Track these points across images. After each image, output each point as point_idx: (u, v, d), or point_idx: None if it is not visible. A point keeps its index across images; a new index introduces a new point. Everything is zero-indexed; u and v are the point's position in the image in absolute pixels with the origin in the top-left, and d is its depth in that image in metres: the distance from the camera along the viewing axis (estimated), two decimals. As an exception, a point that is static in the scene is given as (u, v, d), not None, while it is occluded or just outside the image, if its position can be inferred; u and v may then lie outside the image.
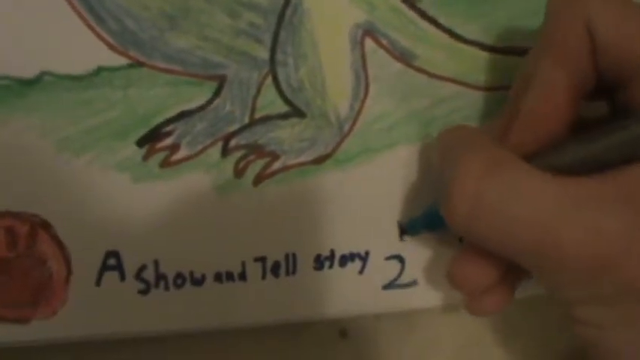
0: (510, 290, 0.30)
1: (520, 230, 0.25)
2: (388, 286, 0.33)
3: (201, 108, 0.31)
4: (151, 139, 0.30)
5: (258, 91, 0.31)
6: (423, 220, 0.32)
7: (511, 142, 0.28)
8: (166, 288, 0.31)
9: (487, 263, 0.29)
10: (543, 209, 0.25)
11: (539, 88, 0.27)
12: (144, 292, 0.31)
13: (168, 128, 0.31)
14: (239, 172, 0.31)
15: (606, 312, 0.25)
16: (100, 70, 0.30)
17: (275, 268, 0.32)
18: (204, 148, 0.31)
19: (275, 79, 0.31)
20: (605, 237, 0.24)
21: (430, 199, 0.32)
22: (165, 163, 0.31)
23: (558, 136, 0.27)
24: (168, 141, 0.31)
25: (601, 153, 0.25)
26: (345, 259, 0.32)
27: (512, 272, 0.30)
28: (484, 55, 0.32)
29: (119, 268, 0.30)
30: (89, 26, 0.30)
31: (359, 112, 0.32)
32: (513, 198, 0.25)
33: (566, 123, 0.27)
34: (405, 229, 0.33)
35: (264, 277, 0.32)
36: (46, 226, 0.30)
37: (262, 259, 0.31)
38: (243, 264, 0.31)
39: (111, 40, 0.30)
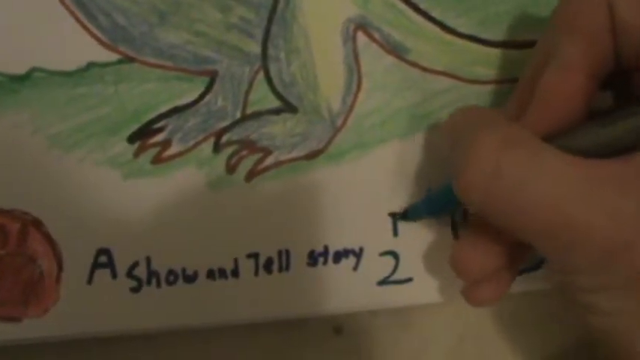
0: (508, 280, 0.30)
1: (538, 210, 0.25)
2: (383, 282, 0.33)
3: (193, 103, 0.31)
4: (142, 135, 0.31)
5: (250, 86, 0.31)
6: (425, 204, 0.32)
7: (528, 121, 0.27)
8: (158, 285, 0.31)
9: (490, 249, 0.29)
10: (563, 189, 0.24)
11: (557, 69, 0.27)
12: (136, 289, 0.31)
13: (160, 124, 0.31)
14: (231, 168, 0.31)
15: (622, 299, 0.25)
16: (90, 65, 0.30)
17: (268, 265, 0.32)
18: (196, 144, 0.31)
19: (267, 74, 0.31)
20: (624, 220, 0.24)
21: (424, 193, 0.32)
22: (156, 160, 0.31)
23: (576, 117, 0.27)
24: (159, 137, 0.31)
25: (620, 136, 0.25)
26: (339, 255, 0.32)
27: (512, 261, 0.29)
28: (477, 48, 0.33)
29: (111, 265, 0.31)
30: (79, 22, 0.30)
31: (351, 107, 0.32)
32: (533, 176, 0.25)
33: (583, 106, 0.27)
34: (406, 214, 0.33)
35: (256, 273, 0.32)
36: (37, 223, 0.30)
37: (255, 256, 0.32)
38: (236, 260, 0.32)
39: (101, 36, 0.30)
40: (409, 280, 0.33)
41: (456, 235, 0.33)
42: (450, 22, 0.32)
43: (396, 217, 0.33)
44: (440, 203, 0.30)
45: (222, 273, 0.31)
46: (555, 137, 0.26)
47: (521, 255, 0.30)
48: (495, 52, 0.33)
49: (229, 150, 0.31)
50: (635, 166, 0.24)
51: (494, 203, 0.26)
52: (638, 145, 0.25)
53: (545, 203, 0.25)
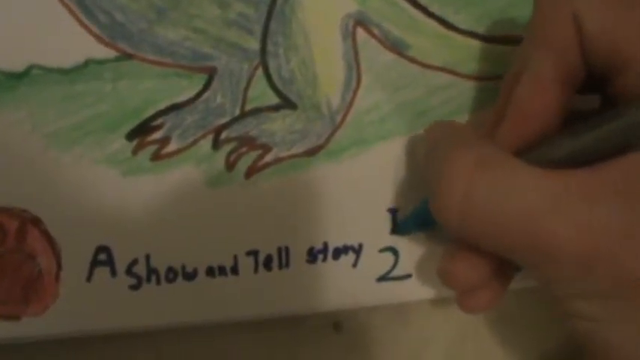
0: (502, 287, 0.31)
1: (512, 227, 0.25)
2: (382, 278, 0.33)
3: (192, 100, 0.31)
4: (140, 132, 0.31)
5: (249, 82, 0.31)
6: (414, 219, 0.32)
7: (501, 136, 0.28)
8: (158, 283, 0.31)
9: (478, 260, 0.29)
10: (534, 204, 0.25)
11: (528, 81, 0.27)
12: (135, 287, 0.31)
13: (158, 121, 0.31)
14: (230, 165, 0.32)
15: (601, 306, 0.26)
16: (88, 62, 0.30)
17: (267, 262, 0.32)
18: (195, 141, 0.31)
19: (266, 71, 0.31)
20: (597, 230, 0.24)
21: (424, 190, 0.32)
22: (155, 157, 0.31)
23: (549, 129, 0.27)
24: (158, 134, 0.31)
25: (591, 145, 0.25)
26: (338, 252, 0.33)
27: (503, 269, 0.30)
28: (477, 44, 0.33)
29: (110, 263, 0.31)
30: (77, 18, 0.30)
31: (351, 103, 0.32)
32: (504, 194, 0.25)
33: (556, 116, 0.27)
34: (397, 230, 0.33)
35: (256, 271, 0.32)
36: (35, 221, 0.30)
37: (254, 253, 0.32)
38: (235, 258, 0.32)
39: (99, 33, 0.30)
40: (408, 276, 0.33)
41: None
42: (450, 18, 0.32)
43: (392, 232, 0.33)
44: (427, 220, 0.31)
45: (222, 270, 0.32)
46: (529, 151, 0.27)
47: (511, 264, 0.30)
48: (495, 48, 0.33)
49: (228, 147, 0.32)
50: (603, 175, 0.25)
51: (469, 225, 0.26)
52: (608, 153, 0.25)
53: (519, 218, 0.25)
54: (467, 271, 0.29)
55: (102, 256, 0.31)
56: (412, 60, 0.32)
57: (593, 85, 0.28)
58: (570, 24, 0.26)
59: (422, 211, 0.31)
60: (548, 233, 0.25)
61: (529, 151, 0.27)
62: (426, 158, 0.29)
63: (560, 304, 0.27)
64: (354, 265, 0.33)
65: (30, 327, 0.30)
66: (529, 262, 0.26)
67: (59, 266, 0.30)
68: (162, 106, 0.31)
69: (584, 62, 0.27)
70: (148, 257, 0.31)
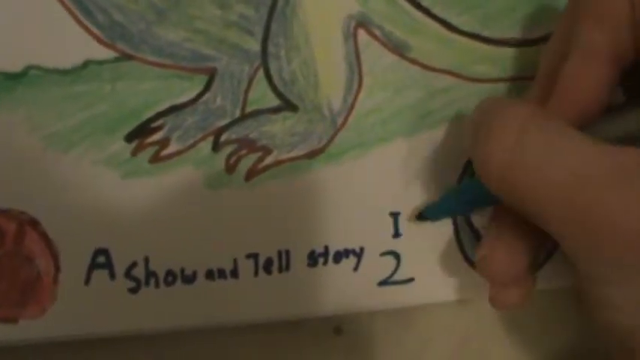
0: (532, 281, 0.30)
1: (559, 191, 0.24)
2: (384, 282, 0.33)
3: (192, 102, 0.31)
4: (140, 133, 0.31)
5: (250, 84, 0.31)
6: (442, 204, 0.32)
7: (551, 110, 0.27)
8: (157, 286, 0.31)
9: (518, 249, 0.28)
10: (589, 172, 0.23)
11: (582, 55, 0.27)
12: (134, 290, 0.31)
13: (158, 123, 0.31)
14: (230, 167, 0.31)
15: (635, 294, 0.24)
16: (87, 63, 0.30)
17: (267, 265, 0.32)
18: (195, 143, 0.31)
19: (266, 72, 0.31)
20: None
21: (427, 193, 0.33)
22: (154, 159, 0.31)
23: (599, 107, 0.26)
24: (157, 136, 0.31)
25: None
26: (339, 256, 0.33)
27: (534, 262, 0.29)
28: (479, 46, 0.33)
29: (108, 266, 0.31)
30: (76, 19, 0.30)
31: (352, 105, 0.32)
32: (557, 155, 0.24)
33: (604, 95, 0.26)
34: (424, 215, 0.33)
35: (256, 274, 0.32)
36: (34, 223, 0.30)
37: (254, 256, 0.32)
38: (235, 261, 0.32)
39: (98, 33, 0.30)
40: (410, 280, 0.33)
41: (457, 235, 0.33)
42: (452, 20, 0.32)
43: (417, 218, 0.33)
44: (455, 206, 0.30)
45: (222, 273, 0.32)
46: (580, 126, 0.26)
47: (540, 252, 0.29)
48: (497, 50, 0.33)
49: (228, 149, 0.31)
50: None
51: (513, 180, 0.25)
52: None
53: (568, 185, 0.24)
54: (507, 262, 0.28)
55: (100, 259, 0.31)
56: (414, 62, 0.32)
57: (624, 76, 0.27)
58: (627, 2, 0.26)
59: (451, 195, 0.31)
60: (605, 205, 0.23)
61: (580, 128, 0.25)
62: (475, 123, 0.27)
63: (590, 291, 0.26)
64: (355, 268, 0.33)
65: (28, 330, 0.30)
66: (570, 236, 0.25)
67: (57, 269, 0.30)
68: (161, 107, 0.31)
69: (636, 43, 0.26)
70: (147, 260, 0.31)
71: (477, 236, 0.33)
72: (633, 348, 0.25)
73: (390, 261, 0.33)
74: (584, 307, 0.27)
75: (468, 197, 0.30)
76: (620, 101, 0.28)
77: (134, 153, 0.31)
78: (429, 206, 0.32)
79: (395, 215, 0.33)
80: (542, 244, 0.28)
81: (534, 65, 0.31)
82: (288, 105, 0.32)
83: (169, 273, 0.31)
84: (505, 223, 0.29)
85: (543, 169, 0.24)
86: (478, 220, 0.33)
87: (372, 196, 0.33)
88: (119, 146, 0.31)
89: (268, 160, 0.32)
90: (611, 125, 0.26)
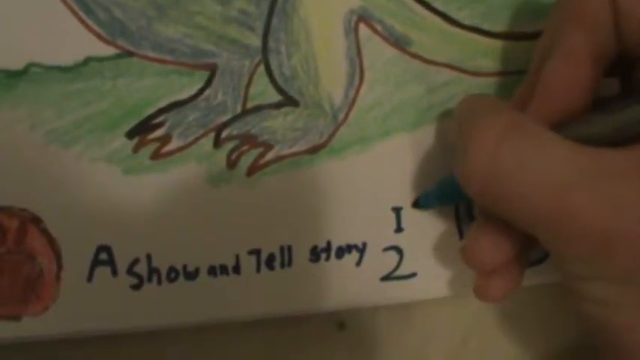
0: (519, 275, 0.30)
1: (536, 197, 0.25)
2: (386, 277, 0.33)
3: (193, 98, 0.31)
4: (141, 130, 0.31)
5: (250, 80, 0.31)
6: (437, 192, 0.32)
7: (532, 110, 0.28)
8: (159, 282, 0.31)
9: (502, 239, 0.29)
10: (562, 177, 0.25)
11: (560, 55, 0.27)
12: (136, 286, 0.31)
13: (159, 119, 0.31)
14: (232, 163, 0.32)
15: (618, 289, 0.25)
16: (88, 60, 0.30)
17: (270, 261, 0.32)
18: (196, 139, 0.31)
19: (267, 68, 0.31)
20: (625, 210, 0.24)
21: (428, 187, 0.33)
22: (156, 155, 0.31)
23: (579, 107, 0.27)
24: (159, 132, 0.31)
25: (623, 126, 0.25)
26: (341, 251, 0.33)
27: (520, 256, 0.30)
28: (481, 40, 0.33)
29: (111, 262, 0.31)
30: (77, 16, 0.30)
31: (353, 100, 0.32)
32: (532, 162, 0.25)
33: (587, 93, 0.27)
34: (418, 203, 0.33)
35: (258, 270, 0.32)
36: (35, 220, 0.30)
37: (257, 252, 0.32)
38: (237, 257, 0.32)
39: (99, 30, 0.30)
40: (413, 275, 0.33)
41: (460, 230, 0.33)
42: (453, 14, 0.32)
43: (413, 206, 0.33)
44: (451, 192, 0.31)
45: (224, 269, 0.32)
46: (559, 126, 0.27)
47: (530, 247, 0.30)
48: (499, 44, 0.33)
49: (230, 145, 0.32)
50: (631, 155, 0.25)
51: (492, 191, 0.26)
52: (638, 134, 0.25)
53: (545, 189, 0.25)
54: (490, 251, 0.29)
55: (103, 256, 0.31)
56: (415, 56, 0.32)
57: (619, 68, 0.28)
58: (606, 1, 0.26)
59: (445, 184, 0.31)
60: (573, 207, 0.24)
61: (559, 128, 0.26)
62: (457, 127, 0.29)
63: (574, 287, 0.27)
64: (358, 264, 0.33)
65: (30, 327, 0.31)
66: (550, 237, 0.26)
67: (59, 266, 0.31)
68: (162, 103, 0.31)
69: (617, 41, 0.27)
70: (149, 257, 0.31)
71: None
72: (624, 345, 0.26)
73: (393, 256, 0.33)
74: (574, 305, 0.28)
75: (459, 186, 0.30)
76: (615, 94, 0.29)
77: (135, 149, 0.31)
78: (424, 195, 0.33)
79: (397, 210, 0.33)
80: (530, 239, 0.28)
81: (535, 59, 0.31)
82: (289, 100, 0.32)
83: (172, 269, 0.31)
84: (489, 214, 0.29)
85: (520, 176, 0.25)
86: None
87: (374, 191, 0.33)
88: (120, 143, 0.31)
89: (270, 155, 0.32)
90: (593, 123, 0.26)
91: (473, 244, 0.30)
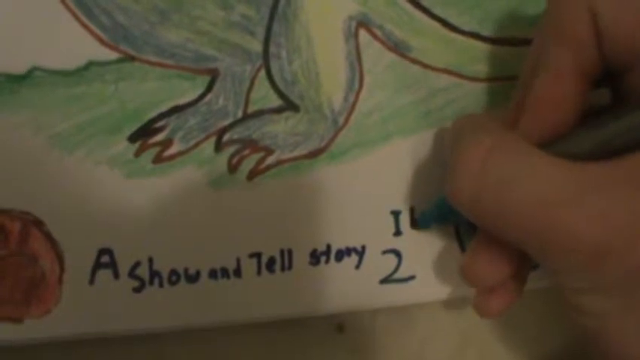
0: (518, 290, 0.31)
1: (523, 214, 0.26)
2: (385, 280, 0.34)
3: (194, 102, 0.32)
4: (143, 134, 0.31)
5: (252, 84, 0.32)
6: (434, 212, 0.33)
7: (520, 129, 0.28)
8: (161, 285, 0.32)
9: (501, 257, 0.29)
10: (548, 192, 0.25)
11: (546, 74, 0.28)
12: (138, 289, 0.32)
13: (161, 123, 0.31)
14: (233, 167, 0.32)
15: (610, 301, 0.26)
16: (90, 64, 0.31)
17: (270, 264, 0.32)
18: (198, 143, 0.32)
19: (268, 73, 0.32)
20: (610, 223, 0.24)
21: (427, 192, 0.33)
22: (157, 159, 0.31)
23: (568, 123, 0.28)
24: (160, 136, 0.31)
25: (609, 139, 0.26)
26: (341, 254, 0.33)
27: (521, 270, 0.30)
28: (480, 45, 0.33)
29: (113, 265, 0.31)
30: (79, 20, 0.31)
31: (353, 105, 0.33)
32: (518, 179, 0.26)
33: (574, 109, 0.28)
34: (417, 223, 0.33)
35: (259, 273, 0.32)
36: (38, 223, 0.31)
37: (257, 255, 0.32)
38: (238, 260, 0.32)
39: (102, 35, 0.31)
40: (412, 278, 0.34)
41: (458, 233, 0.34)
42: (452, 20, 0.33)
43: (411, 225, 0.34)
44: (447, 211, 0.31)
45: (225, 273, 0.32)
46: (548, 143, 0.27)
47: (528, 264, 0.31)
48: (497, 50, 0.33)
49: (231, 149, 0.32)
50: (623, 169, 0.25)
51: (480, 208, 0.27)
52: (629, 147, 0.25)
53: (532, 205, 0.25)
54: (489, 269, 0.30)
55: (104, 259, 0.31)
56: (415, 61, 0.33)
57: (608, 79, 0.28)
58: (586, 17, 0.27)
59: (442, 203, 0.32)
60: (561, 222, 0.25)
61: (547, 145, 0.27)
62: (448, 147, 0.30)
63: (568, 299, 0.27)
64: (357, 267, 0.33)
65: (32, 329, 0.31)
66: (539, 252, 0.27)
67: (62, 269, 0.31)
68: (164, 108, 0.31)
69: (601, 56, 0.27)
70: (150, 260, 0.32)
71: (477, 234, 0.34)
72: (618, 357, 0.27)
73: (392, 259, 0.34)
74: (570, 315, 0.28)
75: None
76: (606, 104, 0.29)
77: (137, 153, 0.31)
78: (422, 215, 0.33)
79: (396, 214, 0.33)
80: (526, 256, 0.29)
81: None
82: (289, 105, 0.32)
83: (173, 272, 0.32)
84: (487, 233, 0.30)
85: (506, 192, 0.26)
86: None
87: (373, 195, 0.33)
88: (122, 147, 0.31)
89: (270, 160, 0.32)
90: (579, 139, 0.27)
91: (472, 263, 0.30)
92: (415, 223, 0.33)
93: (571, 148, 0.27)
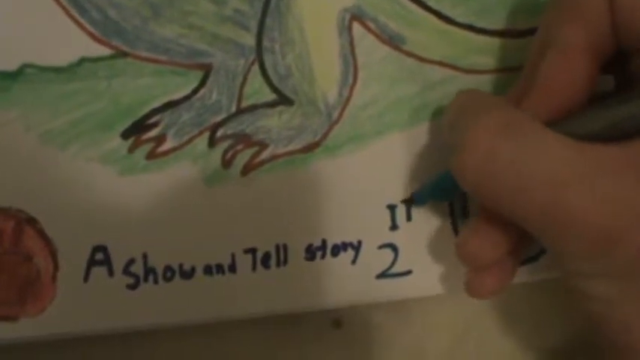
0: (511, 271, 0.31)
1: (532, 193, 0.25)
2: (382, 275, 0.34)
3: (187, 98, 0.32)
4: (136, 130, 0.31)
5: (245, 79, 0.32)
6: (431, 188, 0.33)
7: (530, 106, 0.28)
8: (155, 282, 0.32)
9: (498, 234, 0.29)
10: (558, 173, 0.25)
11: (557, 52, 0.28)
12: (133, 286, 0.32)
13: (154, 119, 0.32)
14: (227, 163, 0.32)
15: (616, 286, 0.26)
16: (82, 60, 0.31)
17: (265, 260, 0.33)
18: (191, 139, 0.32)
19: (262, 67, 0.32)
20: (620, 207, 0.25)
21: (423, 185, 0.33)
22: (151, 155, 0.32)
23: (576, 103, 0.28)
24: (154, 132, 0.32)
25: (619, 121, 0.26)
26: (337, 249, 0.33)
27: (514, 251, 0.30)
28: (475, 37, 0.33)
29: (107, 262, 0.32)
30: (70, 16, 0.31)
31: (348, 99, 0.33)
32: (528, 157, 0.26)
33: (583, 90, 0.28)
34: (413, 199, 0.33)
35: (254, 268, 0.33)
36: (31, 221, 0.31)
37: (252, 251, 0.33)
38: (233, 256, 0.32)
39: (93, 31, 0.31)
40: (408, 272, 0.34)
41: (455, 227, 0.34)
42: (447, 11, 0.33)
43: (405, 202, 0.33)
44: (446, 187, 0.31)
45: (220, 268, 0.32)
46: (556, 123, 0.27)
47: (525, 244, 0.31)
48: (493, 41, 0.34)
49: (225, 144, 0.32)
50: (634, 152, 0.25)
51: (488, 184, 0.27)
52: (635, 131, 0.25)
53: (542, 186, 0.25)
54: (485, 246, 0.30)
55: (99, 256, 0.31)
56: (409, 54, 0.33)
57: (615, 64, 0.28)
58: None
59: (443, 180, 0.32)
60: (569, 204, 0.25)
61: (556, 125, 0.27)
62: (451, 121, 0.30)
63: (573, 284, 0.27)
64: (353, 262, 0.33)
65: (27, 328, 0.31)
66: (546, 234, 0.27)
67: (56, 266, 0.31)
68: (157, 103, 0.32)
69: (614, 35, 0.27)
70: (145, 256, 0.32)
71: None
72: (625, 343, 0.27)
73: (388, 254, 0.34)
74: (573, 302, 0.28)
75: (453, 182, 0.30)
76: (610, 90, 0.29)
77: (131, 150, 0.31)
78: (417, 191, 0.33)
79: (392, 208, 0.34)
80: (523, 236, 0.29)
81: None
82: (283, 99, 0.32)
83: (168, 269, 0.32)
84: (484, 210, 0.30)
85: (514, 173, 0.26)
86: (475, 211, 0.34)
87: (368, 189, 0.33)
88: (116, 143, 0.31)
89: (264, 154, 0.32)
90: (589, 120, 0.27)
91: (468, 239, 0.30)
92: (411, 201, 0.33)
93: (579, 129, 0.26)
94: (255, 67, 0.32)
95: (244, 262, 0.32)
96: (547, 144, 0.26)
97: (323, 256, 0.33)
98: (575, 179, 0.25)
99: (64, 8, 0.30)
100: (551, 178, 0.25)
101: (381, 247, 0.34)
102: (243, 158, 0.32)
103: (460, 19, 0.33)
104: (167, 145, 0.32)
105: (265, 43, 0.32)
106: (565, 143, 0.26)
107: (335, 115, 0.33)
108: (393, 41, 0.33)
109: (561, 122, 0.27)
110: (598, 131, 0.26)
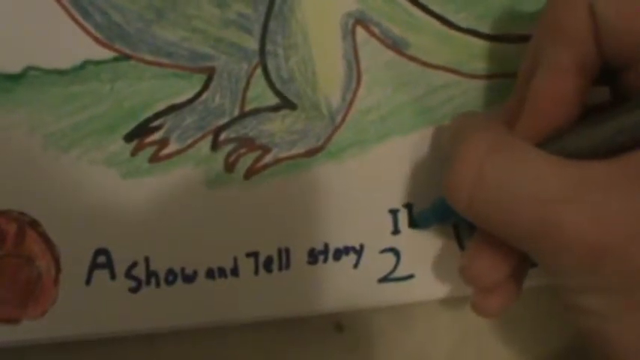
0: (517, 290, 0.31)
1: (522, 213, 0.26)
2: (384, 279, 0.34)
3: (190, 101, 0.32)
4: (139, 133, 0.32)
5: (248, 82, 0.32)
6: (432, 211, 0.33)
7: (520, 128, 0.29)
8: (157, 285, 0.32)
9: (499, 257, 0.30)
10: (545, 190, 0.25)
11: (545, 72, 0.28)
12: (135, 289, 0.32)
13: (157, 122, 0.32)
14: (230, 166, 0.32)
15: (610, 301, 0.26)
16: (86, 63, 0.31)
17: (268, 264, 0.33)
18: (194, 142, 0.32)
19: (265, 70, 0.32)
20: (610, 222, 0.25)
21: (426, 190, 0.33)
22: (154, 158, 0.32)
23: (567, 120, 0.28)
24: (157, 135, 0.32)
25: (608, 137, 0.26)
26: (339, 253, 0.33)
27: (519, 269, 0.31)
28: (478, 42, 0.34)
29: (109, 265, 0.32)
30: (74, 19, 0.31)
31: (351, 103, 0.33)
32: (516, 179, 0.26)
33: (574, 107, 0.28)
34: (416, 222, 0.34)
35: (256, 272, 0.33)
36: (34, 224, 0.31)
37: (255, 255, 0.33)
38: (235, 259, 0.33)
39: (97, 34, 0.31)
40: (410, 277, 0.34)
41: (456, 231, 0.34)
42: (450, 17, 0.33)
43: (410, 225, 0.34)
44: (445, 210, 0.31)
45: (222, 272, 0.32)
46: (547, 141, 0.28)
47: (526, 266, 0.31)
48: (496, 47, 0.34)
49: (228, 148, 0.32)
50: (622, 167, 0.25)
51: (478, 207, 0.27)
52: (628, 145, 0.26)
53: (529, 204, 0.26)
54: (488, 269, 0.30)
55: (101, 259, 0.32)
56: (412, 59, 0.33)
57: (607, 77, 0.29)
58: (586, 14, 0.27)
59: (440, 203, 0.32)
60: (559, 221, 0.25)
61: (547, 143, 0.27)
62: (449, 146, 0.30)
63: (566, 299, 0.28)
64: (355, 266, 0.34)
65: (29, 330, 0.31)
66: (537, 251, 0.27)
67: (58, 269, 0.31)
68: (160, 107, 0.32)
69: (600, 53, 0.27)
70: (147, 260, 0.32)
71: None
72: (617, 357, 0.27)
73: (390, 258, 0.34)
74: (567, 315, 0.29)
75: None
76: (605, 102, 0.30)
77: (134, 153, 0.32)
78: (419, 214, 0.34)
79: (394, 212, 0.34)
80: (524, 258, 0.29)
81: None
82: (286, 103, 0.33)
83: (170, 272, 0.32)
84: (486, 232, 0.30)
85: (503, 193, 0.26)
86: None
87: (371, 194, 0.33)
88: (119, 146, 0.32)
89: (267, 158, 0.33)
90: (578, 137, 0.27)
91: (471, 262, 0.30)
92: (414, 223, 0.34)
93: (570, 146, 0.27)
94: (259, 71, 0.32)
95: (246, 265, 0.33)
96: (534, 162, 0.26)
97: (325, 260, 0.33)
98: (562, 196, 0.25)
99: (67, 11, 0.31)
100: (538, 195, 0.26)
101: (383, 251, 0.34)
102: (246, 162, 0.33)
103: (463, 24, 0.33)
104: (170, 149, 0.32)
105: (269, 47, 0.32)
106: (552, 161, 0.26)
107: (338, 119, 0.33)
108: (397, 46, 0.33)
109: (552, 140, 0.28)
110: (588, 148, 0.27)
